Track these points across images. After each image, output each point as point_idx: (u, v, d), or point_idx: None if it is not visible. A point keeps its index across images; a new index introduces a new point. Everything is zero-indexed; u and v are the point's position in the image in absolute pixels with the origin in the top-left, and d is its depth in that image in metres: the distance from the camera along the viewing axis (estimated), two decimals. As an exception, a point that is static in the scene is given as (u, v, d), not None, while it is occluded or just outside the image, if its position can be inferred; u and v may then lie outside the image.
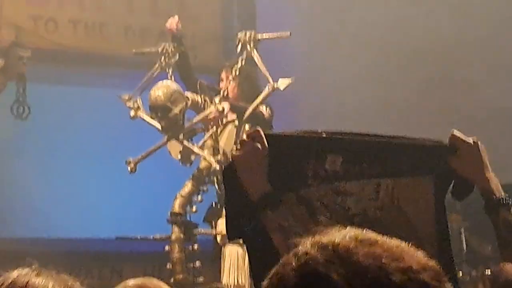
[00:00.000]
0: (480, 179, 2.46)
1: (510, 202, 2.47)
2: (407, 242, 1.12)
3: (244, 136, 2.44)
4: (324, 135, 2.51)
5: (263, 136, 2.37)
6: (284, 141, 2.51)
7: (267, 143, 2.36)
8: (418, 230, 2.47)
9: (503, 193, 2.47)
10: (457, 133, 2.47)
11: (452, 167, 2.47)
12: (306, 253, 1.09)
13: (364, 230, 1.14)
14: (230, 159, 2.44)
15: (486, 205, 2.49)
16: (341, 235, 1.11)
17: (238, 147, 2.41)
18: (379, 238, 1.11)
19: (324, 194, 2.46)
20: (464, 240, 7.06)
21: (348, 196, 2.46)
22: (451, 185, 2.55)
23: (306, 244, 1.10)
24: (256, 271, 2.46)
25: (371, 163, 2.50)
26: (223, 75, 5.74)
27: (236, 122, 5.42)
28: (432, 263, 1.10)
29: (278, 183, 2.40)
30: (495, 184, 2.47)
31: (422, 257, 1.11)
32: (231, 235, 2.51)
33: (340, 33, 8.11)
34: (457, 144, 2.45)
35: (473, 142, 2.46)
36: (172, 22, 5.73)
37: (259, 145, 2.33)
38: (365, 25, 8.12)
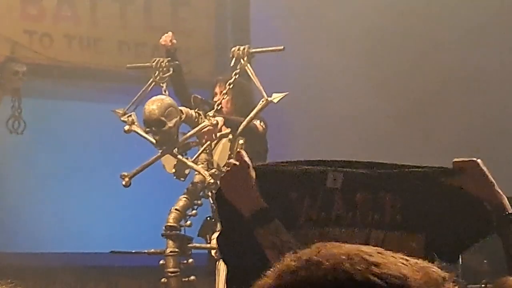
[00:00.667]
0: (490, 196, 2.47)
1: None
2: None
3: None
4: (321, 168, 2.48)
5: (244, 155, 2.40)
6: (275, 175, 2.49)
7: (257, 176, 2.37)
8: None
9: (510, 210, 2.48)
10: (458, 159, 2.48)
11: (461, 187, 2.46)
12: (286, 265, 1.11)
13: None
14: (220, 180, 2.46)
15: (498, 221, 2.49)
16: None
17: (226, 171, 2.45)
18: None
19: (311, 238, 2.43)
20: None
21: (337, 241, 2.45)
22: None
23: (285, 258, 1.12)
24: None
25: (365, 209, 2.47)
26: (217, 89, 5.74)
27: (230, 136, 5.42)
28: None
29: None
30: (505, 200, 2.49)
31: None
32: (225, 256, 2.49)
33: (335, 47, 8.12)
34: (461, 167, 2.45)
35: (475, 161, 2.47)
36: (167, 38, 5.75)
37: (241, 164, 2.37)
38: (362, 38, 8.13)
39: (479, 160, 2.49)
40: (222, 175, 2.42)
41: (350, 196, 2.46)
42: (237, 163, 2.39)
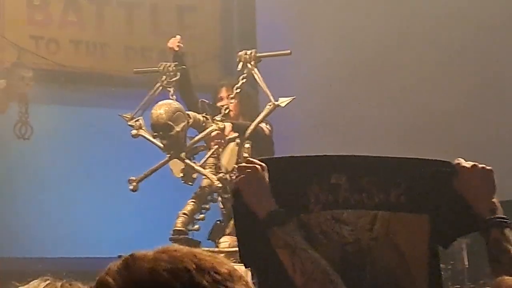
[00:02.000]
0: (478, 201, 2.52)
1: (503, 223, 2.53)
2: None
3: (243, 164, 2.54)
4: (324, 159, 2.56)
5: (258, 160, 2.48)
6: (286, 164, 2.55)
7: (268, 167, 2.45)
8: (410, 266, 2.50)
9: (498, 214, 2.53)
10: (460, 159, 2.55)
11: (456, 189, 2.53)
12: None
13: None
14: (234, 185, 2.52)
15: (479, 225, 2.55)
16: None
17: (237, 173, 2.50)
18: (179, 248, 1.20)
19: (323, 221, 2.50)
20: (466, 258, 7.02)
21: (345, 225, 2.50)
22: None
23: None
24: None
25: (371, 191, 2.53)
26: (223, 93, 5.72)
27: (238, 140, 5.40)
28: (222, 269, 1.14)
29: (282, 206, 2.44)
30: (496, 206, 2.54)
31: (209, 261, 1.16)
32: (246, 262, 2.52)
33: (342, 52, 8.10)
34: (460, 168, 2.52)
35: (476, 166, 2.53)
36: (174, 41, 5.73)
37: (257, 166, 2.44)
38: (369, 43, 8.11)
39: (488, 168, 2.54)
40: (237, 179, 2.43)
41: (356, 180, 2.52)
42: (252, 166, 2.43)
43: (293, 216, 2.44)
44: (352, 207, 2.51)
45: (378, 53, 8.09)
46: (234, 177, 5.30)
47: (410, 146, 7.87)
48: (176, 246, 1.18)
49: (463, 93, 7.87)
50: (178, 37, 5.76)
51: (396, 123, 7.98)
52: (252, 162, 2.48)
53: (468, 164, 2.55)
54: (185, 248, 1.16)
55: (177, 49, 5.70)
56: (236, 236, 2.65)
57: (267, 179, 2.44)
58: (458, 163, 2.54)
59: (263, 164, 2.46)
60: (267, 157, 2.55)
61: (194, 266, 1.13)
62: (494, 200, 2.53)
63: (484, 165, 2.54)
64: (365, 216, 2.52)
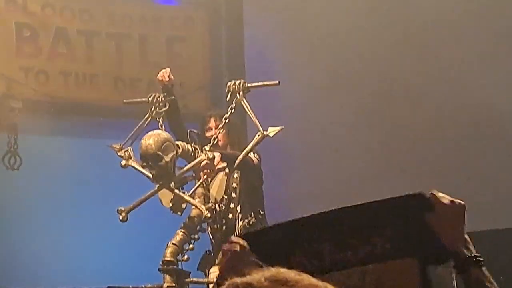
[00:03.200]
0: (454, 238, 2.42)
1: (481, 261, 2.44)
2: None
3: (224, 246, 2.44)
4: (302, 223, 2.50)
5: (239, 240, 2.38)
6: (266, 237, 2.50)
7: (248, 242, 2.36)
8: None
9: (474, 252, 2.44)
10: (436, 192, 2.44)
11: (428, 224, 2.43)
12: None
13: (285, 270, 1.13)
14: (219, 274, 2.45)
15: (457, 264, 2.45)
16: (258, 275, 1.12)
17: (220, 257, 2.43)
18: (294, 278, 1.12)
19: None
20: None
21: (336, 284, 2.46)
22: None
23: (223, 286, 1.13)
24: None
25: (355, 247, 2.48)
26: (212, 123, 5.73)
27: (227, 170, 5.40)
28: None
29: None
30: (469, 243, 2.45)
31: None
32: None
33: (329, 82, 8.14)
34: (435, 202, 2.42)
35: (452, 201, 2.43)
36: (164, 74, 5.74)
37: (237, 247, 2.35)
38: (355, 72, 8.16)
39: (458, 201, 2.46)
40: (221, 265, 2.37)
41: (339, 238, 2.46)
42: (233, 248, 2.35)
43: None
44: (339, 268, 2.46)
45: (366, 79, 8.15)
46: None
47: (397, 164, 7.91)
48: (286, 273, 1.13)
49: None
50: (167, 69, 5.77)
51: (382, 144, 8.02)
52: (233, 242, 2.37)
53: (445, 198, 2.46)
54: (300, 278, 1.11)
55: (167, 80, 5.71)
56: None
57: (250, 257, 2.33)
58: (434, 196, 2.38)
59: (244, 243, 2.37)
60: (247, 232, 2.45)
61: None
62: (466, 237, 2.45)
63: (459, 200, 2.46)
64: (354, 274, 2.47)
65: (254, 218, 5.50)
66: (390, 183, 7.81)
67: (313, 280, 1.12)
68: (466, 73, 7.95)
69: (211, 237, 5.61)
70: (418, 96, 8.08)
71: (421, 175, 7.63)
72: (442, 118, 8.02)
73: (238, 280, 1.11)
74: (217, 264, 5.19)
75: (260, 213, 5.57)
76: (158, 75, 5.78)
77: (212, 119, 5.74)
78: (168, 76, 5.72)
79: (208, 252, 5.60)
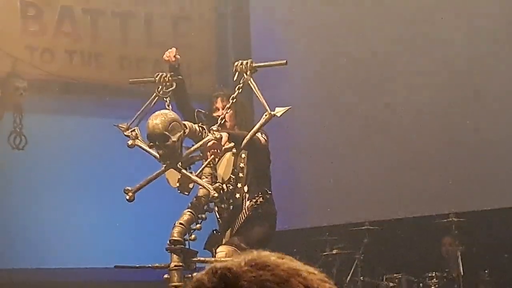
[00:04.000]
0: None
1: None
2: None
3: None
4: None
5: None
6: None
7: None
8: None
9: None
10: None
11: None
12: (197, 279, 1.10)
13: (266, 253, 1.13)
14: None
15: None
16: (239, 259, 1.11)
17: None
18: (275, 261, 1.10)
19: None
20: (461, 265, 7.00)
21: None
22: None
23: (203, 270, 1.12)
24: None
25: None
26: (219, 104, 5.70)
27: (234, 150, 5.36)
28: (325, 285, 1.09)
29: None
30: None
31: (315, 280, 1.09)
32: None
33: (337, 61, 8.10)
34: None
35: None
36: (170, 53, 5.68)
37: None
38: (361, 53, 8.11)
39: None
40: None
41: None
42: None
43: None
44: None
45: (372, 61, 8.11)
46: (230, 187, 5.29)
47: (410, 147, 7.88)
48: (267, 257, 1.12)
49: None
50: (173, 49, 5.72)
51: (389, 124, 8.00)
52: None
53: None
54: (281, 262, 1.10)
55: (174, 60, 5.66)
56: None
57: None
58: None
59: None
60: None
61: (302, 287, 1.09)
62: None
63: None
64: None
65: (261, 198, 5.47)
66: (395, 160, 7.80)
67: (294, 264, 1.10)
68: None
69: (217, 216, 5.59)
70: (423, 75, 8.04)
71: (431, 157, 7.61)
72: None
73: (218, 265, 1.10)
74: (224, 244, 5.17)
75: (267, 192, 5.55)
76: (164, 55, 5.73)
77: (219, 100, 5.70)
78: (175, 56, 5.67)
79: (214, 232, 5.58)
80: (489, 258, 7.30)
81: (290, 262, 1.11)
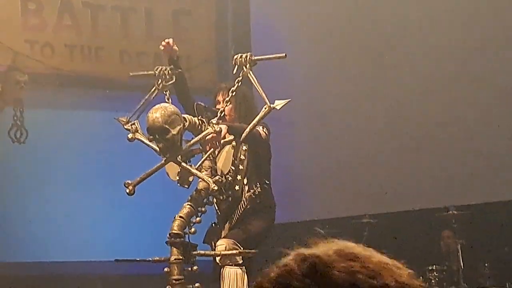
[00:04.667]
0: None
1: None
2: None
3: None
4: None
5: None
6: None
7: None
8: None
9: None
10: None
11: None
12: (285, 265, 1.08)
13: (351, 243, 1.11)
14: None
15: None
16: (325, 248, 1.09)
17: None
18: (363, 252, 1.09)
19: None
20: (461, 258, 6.98)
21: None
22: None
23: (289, 256, 1.09)
24: None
25: None
26: (220, 97, 5.68)
27: (234, 143, 5.35)
28: (415, 282, 1.07)
29: None
30: None
31: (404, 275, 1.08)
32: None
33: (336, 54, 8.08)
34: None
35: None
36: (167, 43, 5.67)
37: None
38: (364, 43, 8.09)
39: None
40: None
41: None
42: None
43: None
44: None
45: (372, 51, 8.10)
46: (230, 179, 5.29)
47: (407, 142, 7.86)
48: (354, 248, 1.10)
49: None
50: (171, 39, 5.70)
51: (392, 117, 7.99)
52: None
53: None
54: (369, 254, 1.08)
55: (171, 51, 5.65)
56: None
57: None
58: None
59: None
60: None
61: (393, 282, 1.06)
62: None
63: None
64: None
65: (259, 188, 5.46)
66: (397, 153, 7.79)
67: (383, 257, 1.08)
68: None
69: (216, 208, 5.58)
70: (424, 64, 8.03)
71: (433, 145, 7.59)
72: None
73: (305, 252, 1.08)
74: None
75: (266, 183, 5.54)
76: (161, 45, 5.71)
77: (221, 93, 5.69)
78: (172, 47, 5.65)
79: (213, 225, 5.57)
80: (489, 252, 7.29)
81: (378, 255, 1.10)
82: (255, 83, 5.34)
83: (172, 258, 5.17)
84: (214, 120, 5.27)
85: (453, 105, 7.86)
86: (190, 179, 5.37)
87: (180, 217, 5.23)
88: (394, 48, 8.05)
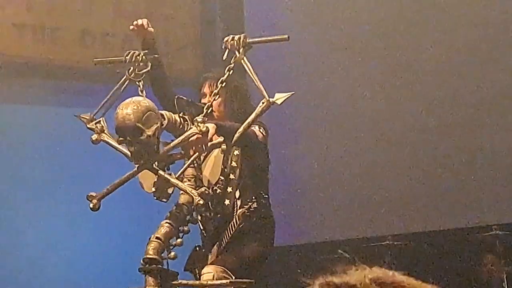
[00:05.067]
0: None
1: None
2: None
3: None
4: None
5: None
6: None
7: None
8: None
9: None
10: None
11: None
12: None
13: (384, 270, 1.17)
14: None
15: None
16: (359, 276, 1.13)
17: None
18: (406, 281, 1.16)
19: None
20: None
21: None
22: None
23: (314, 286, 1.13)
24: None
25: None
26: (206, 89, 5.70)
27: (224, 146, 5.36)
28: None
29: None
30: None
31: None
32: None
33: (339, 37, 8.18)
34: None
35: None
36: (139, 25, 5.68)
37: None
38: (365, 26, 8.21)
39: None
40: None
41: None
42: None
43: None
44: None
45: (372, 36, 8.21)
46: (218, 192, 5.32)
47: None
48: (390, 276, 1.13)
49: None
50: (144, 20, 5.71)
51: (395, 111, 8.09)
52: None
53: None
54: (408, 281, 1.12)
55: (145, 33, 5.67)
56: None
57: None
58: None
59: None
60: None
61: None
62: None
63: None
64: None
65: (255, 203, 5.48)
66: (399, 149, 7.89)
67: (422, 284, 1.12)
68: None
69: (201, 227, 5.59)
70: (430, 56, 8.15)
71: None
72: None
73: (335, 280, 1.11)
74: None
75: (263, 196, 5.57)
76: (131, 26, 5.73)
77: (207, 84, 5.70)
78: (146, 28, 5.66)
79: (198, 248, 5.58)
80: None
81: (415, 282, 1.16)
82: (250, 71, 5.35)
83: (147, 289, 5.20)
84: (199, 118, 5.29)
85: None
86: (170, 191, 5.37)
87: (157, 238, 5.24)
88: (402, 29, 8.22)
